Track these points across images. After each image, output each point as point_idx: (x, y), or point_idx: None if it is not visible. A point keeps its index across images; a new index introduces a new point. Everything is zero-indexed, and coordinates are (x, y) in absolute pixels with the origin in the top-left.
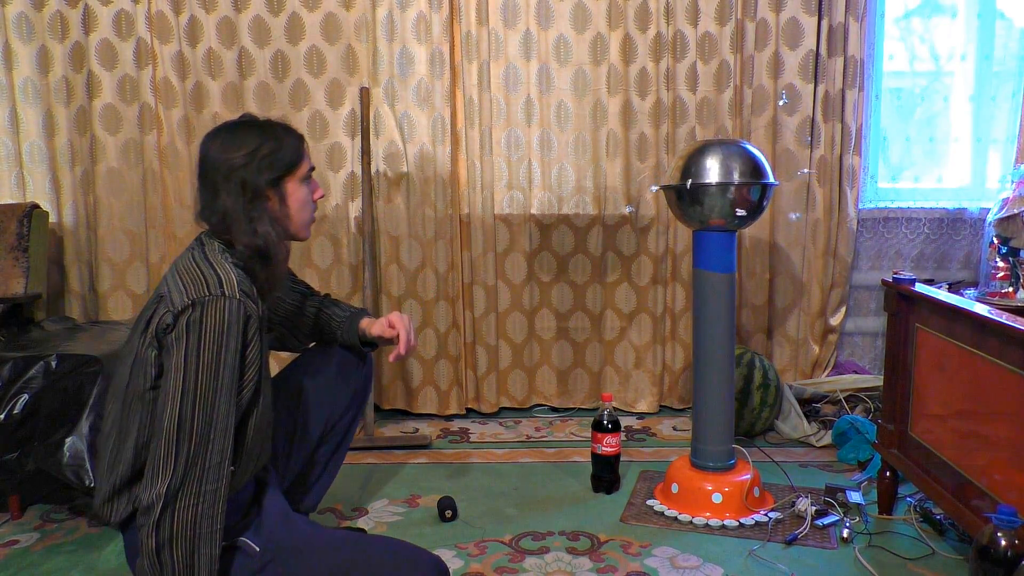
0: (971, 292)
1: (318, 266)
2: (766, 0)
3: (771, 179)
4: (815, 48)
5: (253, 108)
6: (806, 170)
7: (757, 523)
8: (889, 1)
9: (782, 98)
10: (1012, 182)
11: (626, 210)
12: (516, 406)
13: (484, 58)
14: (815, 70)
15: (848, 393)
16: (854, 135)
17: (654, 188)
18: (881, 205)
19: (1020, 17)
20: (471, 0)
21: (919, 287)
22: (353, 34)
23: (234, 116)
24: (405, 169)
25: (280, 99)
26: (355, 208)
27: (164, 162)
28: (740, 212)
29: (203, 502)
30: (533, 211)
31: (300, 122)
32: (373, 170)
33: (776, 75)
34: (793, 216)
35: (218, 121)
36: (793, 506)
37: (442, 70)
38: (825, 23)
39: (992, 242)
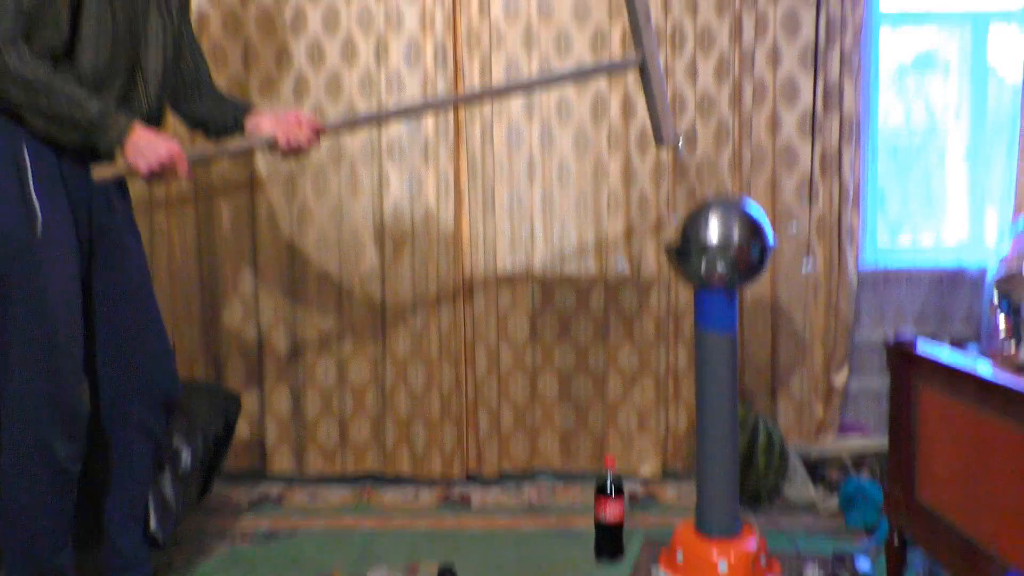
0: (974, 350)
1: (318, 322)
2: (763, 58)
3: (771, 238)
4: (811, 106)
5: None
6: (795, 225)
7: None
8: (883, 59)
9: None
10: (1010, 239)
11: (618, 265)
12: (518, 470)
13: (487, 116)
14: (812, 127)
15: (854, 456)
16: (852, 192)
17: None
18: (881, 263)
19: (1012, 75)
20: (474, 60)
21: (921, 346)
22: (357, 90)
23: None
24: (410, 228)
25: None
26: (361, 267)
27: None
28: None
29: (5, 53)
30: (535, 270)
31: (304, 178)
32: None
33: (774, 132)
34: (805, 268)
35: None
36: (801, 574)
37: (446, 128)
38: (821, 81)
39: (993, 299)
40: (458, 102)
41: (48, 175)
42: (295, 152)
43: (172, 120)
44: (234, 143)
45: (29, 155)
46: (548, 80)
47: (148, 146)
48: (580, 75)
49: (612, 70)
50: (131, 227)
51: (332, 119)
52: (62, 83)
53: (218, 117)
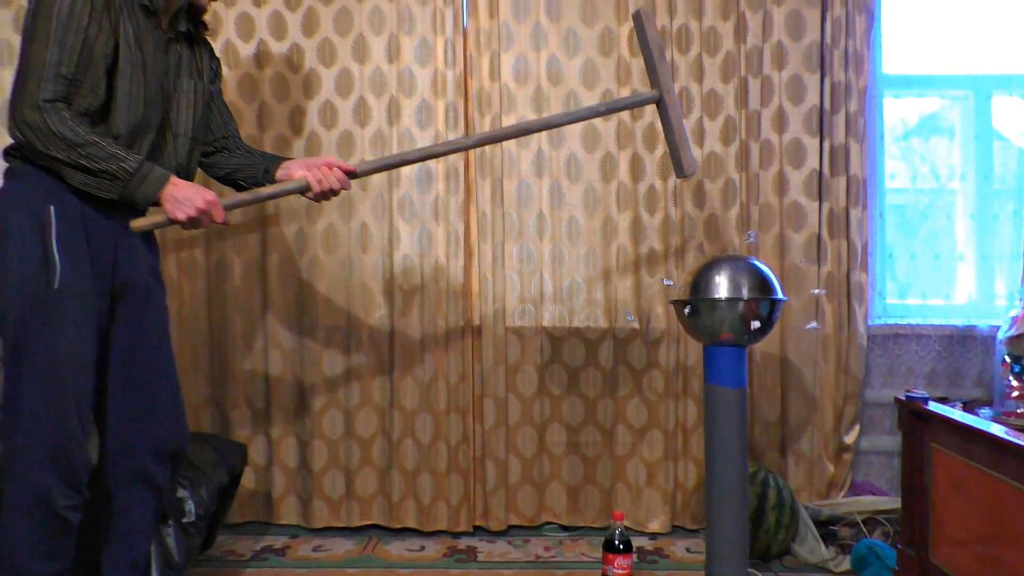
0: (986, 411)
1: (326, 373)
2: (769, 122)
3: (780, 294)
4: (818, 168)
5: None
6: (818, 290)
7: None
8: (888, 122)
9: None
10: (1020, 300)
11: (628, 318)
12: (525, 523)
13: (497, 174)
14: (819, 189)
15: (866, 515)
16: (860, 252)
17: (667, 282)
18: (891, 321)
19: (1017, 137)
20: (486, 120)
21: (932, 406)
22: (368, 149)
23: None
24: (419, 282)
25: (298, 210)
26: (370, 320)
27: None
28: (755, 324)
29: (46, 112)
30: (544, 323)
31: (315, 234)
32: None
33: (781, 193)
34: (810, 326)
35: None
36: None
37: (457, 186)
38: (827, 144)
39: (1004, 360)
40: (487, 141)
41: (71, 230)
42: (326, 195)
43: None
44: (267, 189)
45: (54, 210)
46: (574, 116)
47: (185, 196)
48: (603, 110)
49: (632, 105)
50: (156, 281)
51: (362, 163)
52: (100, 140)
53: (249, 170)
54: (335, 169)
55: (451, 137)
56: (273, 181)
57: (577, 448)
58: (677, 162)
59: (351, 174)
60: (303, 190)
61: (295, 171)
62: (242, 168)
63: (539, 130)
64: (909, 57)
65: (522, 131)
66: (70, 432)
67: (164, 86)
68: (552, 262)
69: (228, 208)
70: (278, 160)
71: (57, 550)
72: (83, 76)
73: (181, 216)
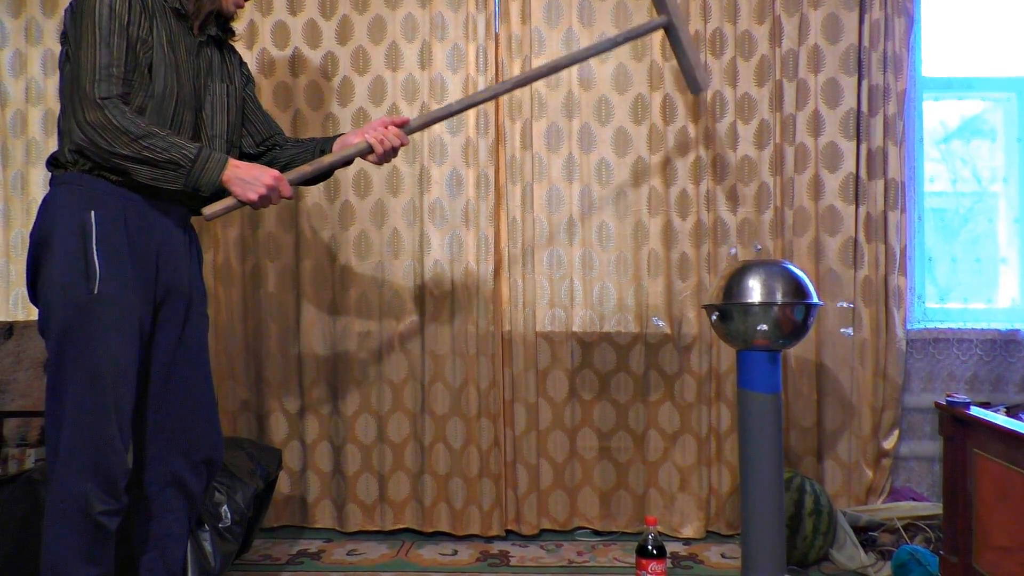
0: None
1: (358, 379)
2: (804, 126)
3: (815, 299)
4: (855, 171)
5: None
6: (845, 302)
7: None
8: (928, 124)
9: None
10: None
11: (656, 323)
12: (557, 528)
13: (528, 179)
14: (856, 192)
15: (906, 521)
16: (898, 256)
17: (758, 247)
18: (930, 326)
19: None
20: (516, 126)
21: (975, 411)
22: (400, 156)
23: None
24: (450, 287)
25: (331, 216)
26: (401, 325)
27: None
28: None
29: (106, 108)
30: (575, 328)
31: (347, 240)
32: (419, 288)
33: (817, 197)
34: (847, 331)
35: None
36: None
37: (487, 191)
38: (864, 147)
39: None
40: (523, 83)
41: (112, 236)
42: (388, 156)
43: None
44: (328, 158)
45: (94, 216)
46: (595, 49)
47: (252, 176)
48: (621, 40)
49: (644, 31)
50: (198, 289)
51: (413, 119)
52: (159, 131)
53: (304, 156)
54: (390, 127)
55: (481, 144)
56: None
57: (609, 453)
58: (692, 80)
59: (405, 127)
60: (365, 152)
61: (351, 139)
62: (296, 157)
63: (567, 66)
64: (950, 59)
65: (553, 68)
66: (109, 440)
67: (196, 87)
68: (582, 267)
69: (294, 183)
70: (331, 138)
71: (97, 555)
72: (132, 75)
73: (252, 196)
